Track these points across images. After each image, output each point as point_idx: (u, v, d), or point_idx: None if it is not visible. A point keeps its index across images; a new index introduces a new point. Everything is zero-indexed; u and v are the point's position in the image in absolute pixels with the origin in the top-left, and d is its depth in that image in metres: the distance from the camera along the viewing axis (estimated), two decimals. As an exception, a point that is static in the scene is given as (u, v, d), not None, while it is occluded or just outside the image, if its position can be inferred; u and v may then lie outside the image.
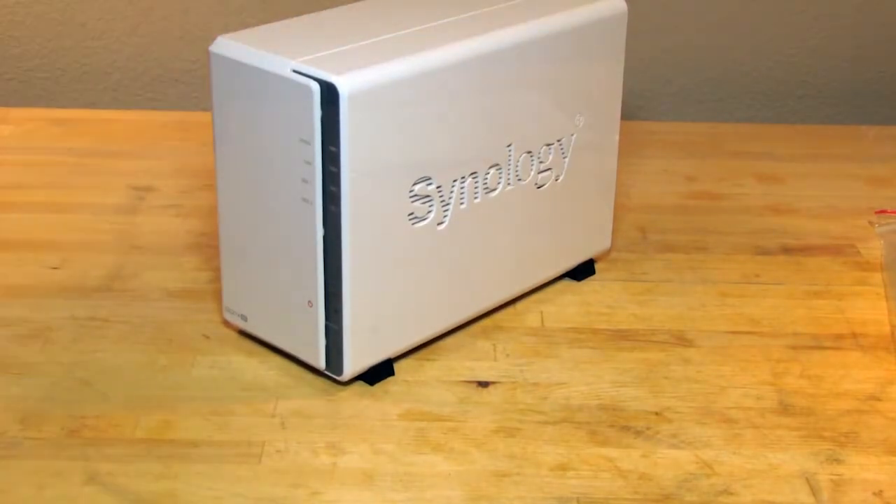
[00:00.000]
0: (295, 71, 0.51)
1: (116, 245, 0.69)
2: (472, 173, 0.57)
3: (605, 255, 0.67)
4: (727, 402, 0.56)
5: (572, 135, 0.61)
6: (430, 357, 0.59)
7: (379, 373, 0.56)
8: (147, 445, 0.52)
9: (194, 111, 0.90)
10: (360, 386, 0.57)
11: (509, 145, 0.58)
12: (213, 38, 0.55)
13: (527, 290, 0.63)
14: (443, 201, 0.56)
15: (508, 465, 0.51)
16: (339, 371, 0.55)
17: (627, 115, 0.92)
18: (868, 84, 0.93)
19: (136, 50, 0.91)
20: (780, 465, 0.52)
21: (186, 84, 0.91)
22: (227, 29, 0.58)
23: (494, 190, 0.58)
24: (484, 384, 0.57)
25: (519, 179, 0.59)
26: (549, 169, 0.60)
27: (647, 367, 0.59)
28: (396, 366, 0.58)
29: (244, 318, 0.58)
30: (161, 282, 0.65)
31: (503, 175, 0.58)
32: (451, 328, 0.60)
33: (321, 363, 0.55)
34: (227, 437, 0.53)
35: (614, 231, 0.72)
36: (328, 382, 0.57)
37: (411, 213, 0.55)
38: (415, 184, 0.54)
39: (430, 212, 0.55)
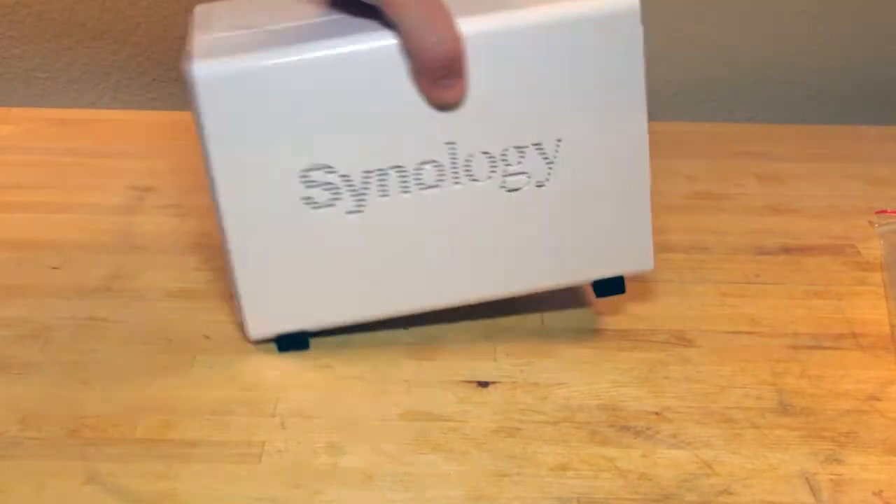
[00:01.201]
0: (190, 60, 0.53)
1: (116, 245, 0.69)
2: (395, 167, 0.55)
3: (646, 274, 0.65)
4: (727, 402, 0.56)
5: (559, 140, 0.57)
6: (430, 357, 0.59)
7: (290, 342, 0.59)
8: (147, 445, 0.52)
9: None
10: (361, 387, 0.57)
11: (451, 143, 0.56)
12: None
13: (507, 295, 0.60)
14: (354, 191, 0.55)
15: (508, 465, 0.51)
16: (246, 333, 0.58)
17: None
18: (868, 84, 0.93)
19: (136, 50, 0.91)
20: (780, 465, 0.52)
21: (186, 84, 0.91)
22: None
23: (435, 187, 0.56)
24: (484, 384, 0.57)
25: (474, 180, 0.57)
26: (522, 173, 0.57)
27: (647, 367, 0.59)
28: (396, 365, 0.58)
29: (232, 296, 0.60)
30: (161, 282, 0.65)
31: (446, 173, 0.56)
32: (390, 317, 0.59)
33: (241, 321, 0.58)
34: (227, 437, 0.53)
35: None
36: (328, 382, 0.57)
37: (308, 198, 0.55)
38: (309, 170, 0.54)
39: (336, 199, 0.55)
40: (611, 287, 0.61)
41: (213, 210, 0.56)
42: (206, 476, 0.50)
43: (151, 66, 0.91)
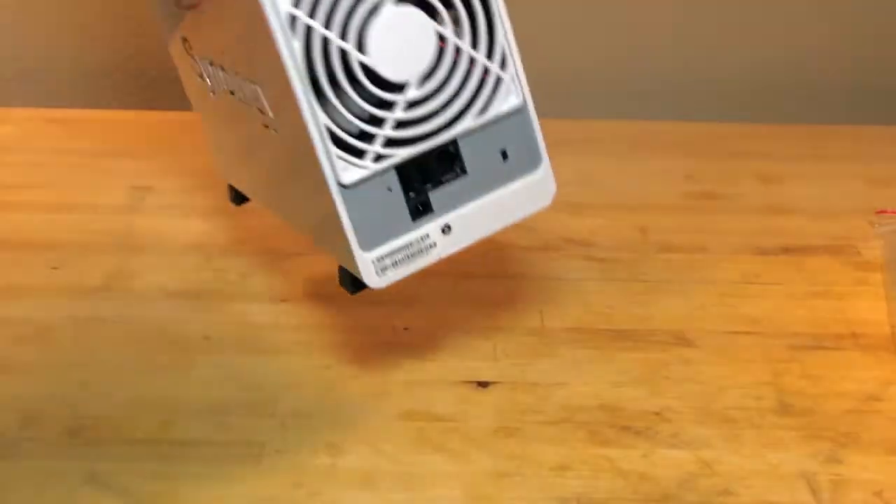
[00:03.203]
0: None
1: (116, 245, 0.69)
2: (209, 60, 0.52)
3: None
4: (727, 402, 0.56)
5: (255, 86, 0.48)
6: (430, 357, 0.59)
7: (235, 196, 0.60)
8: (147, 445, 0.52)
9: (194, 111, 0.90)
10: (361, 387, 0.57)
11: (215, 55, 0.51)
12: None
13: (287, 222, 0.54)
14: (207, 74, 0.54)
15: (508, 465, 0.51)
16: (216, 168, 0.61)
17: (627, 115, 0.93)
18: (868, 84, 0.93)
19: (136, 50, 0.91)
20: (780, 465, 0.52)
21: (186, 84, 0.91)
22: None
23: (232, 94, 0.51)
24: (484, 384, 0.57)
25: (242, 99, 0.50)
26: (261, 111, 0.49)
27: (647, 367, 0.59)
28: (396, 366, 0.58)
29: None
30: (161, 282, 0.65)
31: (224, 81, 0.52)
32: (258, 203, 0.59)
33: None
34: (227, 437, 0.53)
35: (615, 231, 0.72)
36: (328, 382, 0.57)
37: (193, 66, 0.56)
38: (182, 39, 0.55)
39: (203, 75, 0.55)
40: (348, 281, 0.50)
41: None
42: (206, 476, 0.50)
43: (151, 66, 0.91)
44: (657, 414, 0.55)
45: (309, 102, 0.44)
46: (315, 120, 0.44)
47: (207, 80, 0.55)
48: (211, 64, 0.53)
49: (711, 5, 0.90)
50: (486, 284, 0.66)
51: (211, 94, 0.55)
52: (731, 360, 0.59)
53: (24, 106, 0.92)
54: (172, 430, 0.53)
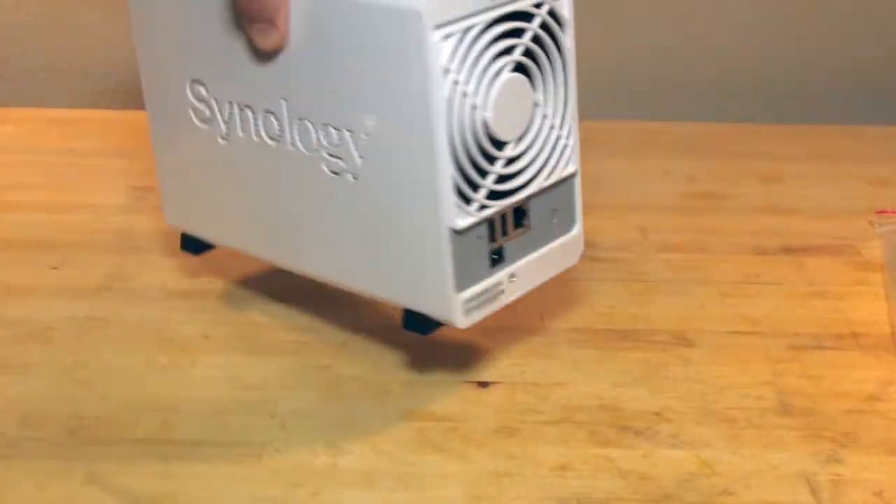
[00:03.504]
0: None
1: (116, 245, 0.69)
2: (247, 106, 0.54)
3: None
4: (727, 402, 0.56)
5: (365, 135, 0.50)
6: (430, 357, 0.59)
7: (188, 243, 0.60)
8: (147, 445, 0.52)
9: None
10: (361, 386, 0.57)
11: (283, 100, 0.52)
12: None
13: (347, 286, 0.55)
14: (222, 118, 0.55)
15: (508, 465, 0.51)
16: (165, 217, 0.61)
17: (628, 115, 0.93)
18: (868, 84, 0.93)
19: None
20: (780, 465, 0.52)
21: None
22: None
23: (276, 140, 0.53)
24: (484, 384, 0.57)
25: (304, 147, 0.52)
26: (339, 157, 0.51)
27: (647, 367, 0.59)
28: (396, 365, 0.58)
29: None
30: (161, 282, 0.65)
31: (285, 131, 0.53)
32: (265, 262, 0.58)
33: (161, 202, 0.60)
34: (227, 437, 0.53)
35: (614, 231, 0.72)
36: (328, 382, 0.57)
37: (194, 109, 0.56)
38: (193, 82, 0.55)
39: (210, 119, 0.55)
40: (418, 323, 0.52)
41: None
42: (206, 476, 0.50)
43: (151, 66, 0.91)
44: (657, 414, 0.55)
45: (443, 150, 0.47)
46: (445, 167, 0.48)
47: (221, 125, 0.55)
48: (244, 108, 0.54)
49: (711, 5, 0.90)
50: (486, 284, 0.66)
51: (220, 139, 0.55)
52: (731, 360, 0.59)
53: (24, 106, 0.92)
54: (172, 430, 0.53)
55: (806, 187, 0.79)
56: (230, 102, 0.55)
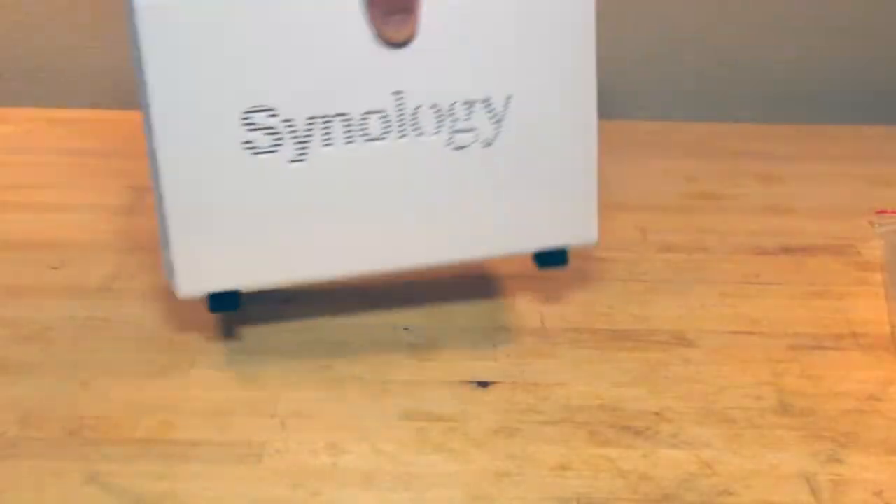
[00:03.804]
0: None
1: (116, 245, 0.69)
2: (339, 115, 0.53)
3: (591, 251, 0.64)
4: (727, 402, 0.56)
5: (509, 97, 0.55)
6: (430, 357, 0.59)
7: (223, 302, 0.55)
8: (147, 445, 0.52)
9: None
10: (361, 386, 0.57)
11: (398, 93, 0.54)
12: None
13: (455, 260, 0.58)
14: (296, 138, 0.53)
15: (508, 465, 0.51)
16: (177, 290, 0.54)
17: (628, 115, 0.93)
18: (868, 84, 0.93)
19: (136, 50, 0.91)
20: (780, 465, 0.52)
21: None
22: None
23: (380, 139, 0.54)
24: (484, 384, 0.57)
25: (420, 134, 0.54)
26: (469, 130, 0.55)
27: (647, 367, 0.59)
28: (396, 365, 0.58)
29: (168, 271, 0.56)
30: (161, 282, 0.65)
31: (393, 125, 0.54)
32: (333, 278, 0.57)
33: (171, 276, 0.55)
34: (227, 437, 0.53)
35: (614, 231, 0.72)
36: (328, 383, 0.57)
37: (248, 142, 0.53)
38: (251, 111, 0.52)
39: (277, 145, 0.53)
40: (553, 259, 0.59)
41: None
42: (206, 476, 0.50)
43: (151, 66, 0.91)
44: (657, 414, 0.55)
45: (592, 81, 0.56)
46: (593, 97, 0.57)
47: (292, 148, 0.53)
48: (333, 118, 0.53)
49: (712, 5, 0.90)
50: (486, 284, 0.66)
51: (290, 164, 0.54)
52: (731, 360, 0.59)
53: (24, 106, 0.92)
54: (172, 430, 0.53)
55: (806, 187, 0.79)
56: (310, 119, 0.53)
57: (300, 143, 0.53)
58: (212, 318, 0.62)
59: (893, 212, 0.74)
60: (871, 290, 0.66)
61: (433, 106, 0.54)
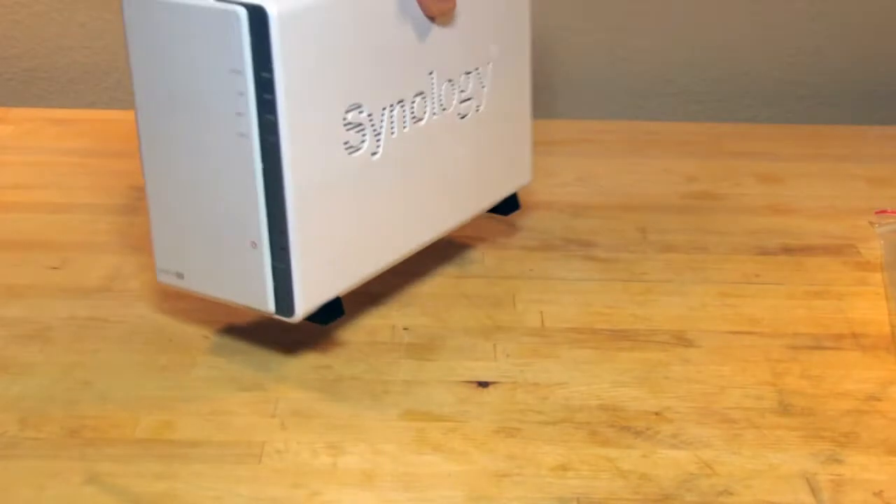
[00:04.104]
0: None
1: (116, 245, 0.69)
2: (399, 101, 0.55)
3: (526, 187, 0.67)
4: (727, 402, 0.56)
5: (489, 63, 0.61)
6: (430, 357, 0.59)
7: (330, 312, 0.55)
8: (147, 445, 0.52)
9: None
10: (360, 386, 0.57)
11: (431, 72, 0.57)
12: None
13: (458, 225, 0.62)
14: (375, 130, 0.54)
15: (508, 465, 0.51)
16: (290, 312, 0.53)
17: (628, 115, 0.93)
18: (868, 84, 0.93)
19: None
20: (780, 465, 0.52)
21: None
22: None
23: (421, 119, 0.57)
24: (484, 384, 0.57)
25: (443, 109, 0.58)
26: (469, 98, 0.60)
27: (647, 367, 0.59)
28: (396, 365, 0.58)
29: (180, 275, 0.55)
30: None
31: (428, 104, 0.57)
32: (390, 265, 0.58)
33: (270, 307, 0.53)
34: (227, 437, 0.53)
35: (614, 231, 0.72)
36: (328, 382, 0.57)
37: (347, 142, 0.53)
38: (347, 111, 0.53)
39: (363, 141, 0.54)
40: (510, 206, 0.66)
41: None
42: (206, 476, 0.50)
43: (151, 66, 0.91)
44: (657, 414, 0.55)
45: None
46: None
47: (372, 140, 0.54)
48: (396, 105, 0.55)
49: (712, 5, 0.90)
50: (486, 284, 0.66)
51: (371, 157, 0.54)
52: (731, 360, 0.59)
53: (24, 106, 0.92)
54: (172, 430, 0.53)
55: (806, 187, 0.79)
56: (384, 108, 0.55)
57: (377, 134, 0.55)
58: (211, 317, 0.62)
59: (893, 212, 0.74)
60: (871, 290, 0.66)
61: (450, 80, 0.58)
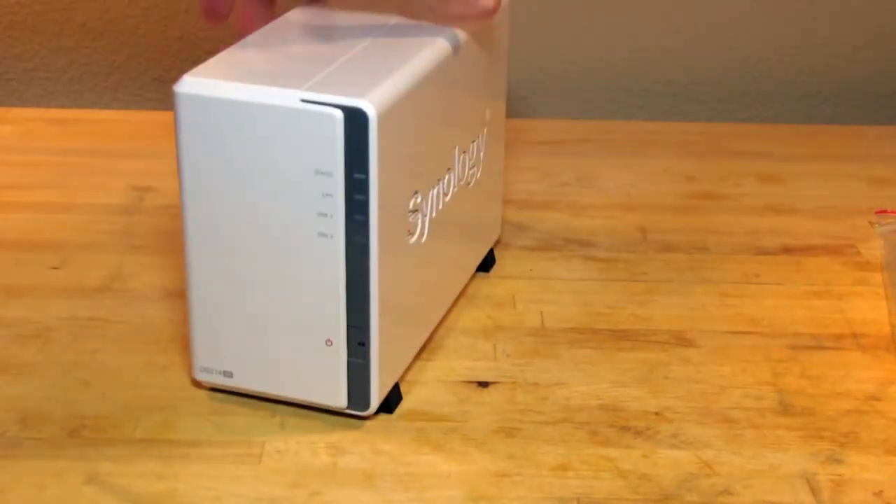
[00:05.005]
0: (304, 100, 0.47)
1: (116, 245, 0.69)
2: (439, 180, 0.56)
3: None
4: (727, 402, 0.56)
5: (484, 129, 0.62)
6: (430, 357, 0.59)
7: (394, 399, 0.55)
8: (147, 445, 0.52)
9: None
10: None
11: (455, 147, 0.58)
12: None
13: (462, 287, 0.64)
14: (422, 213, 0.54)
15: (508, 465, 0.51)
16: (366, 406, 0.52)
17: (627, 115, 0.93)
18: (868, 84, 0.93)
19: (135, 50, 0.91)
20: (780, 465, 0.52)
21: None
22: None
23: (448, 194, 0.57)
24: (484, 384, 0.57)
25: (459, 181, 0.59)
26: (474, 166, 0.61)
27: (647, 367, 0.59)
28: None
29: (228, 374, 0.53)
30: (161, 282, 0.65)
31: (454, 178, 0.58)
32: (425, 341, 0.59)
33: (342, 402, 0.52)
34: (227, 437, 0.53)
35: (615, 231, 0.72)
36: (328, 382, 0.57)
37: (409, 230, 0.53)
38: (411, 198, 0.53)
39: (418, 225, 0.54)
40: (489, 261, 0.67)
41: None
42: (206, 476, 0.50)
43: (151, 66, 0.91)
44: (657, 414, 0.55)
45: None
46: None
47: (419, 223, 0.54)
48: (436, 184, 0.56)
49: (712, 5, 0.90)
50: (486, 284, 0.66)
51: (421, 240, 0.54)
52: (731, 360, 0.59)
53: (24, 106, 0.92)
54: (172, 430, 0.53)
55: (806, 187, 0.79)
56: (430, 190, 0.55)
57: (423, 216, 0.54)
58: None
59: (893, 212, 0.74)
60: (871, 290, 0.66)
61: (465, 152, 0.59)
